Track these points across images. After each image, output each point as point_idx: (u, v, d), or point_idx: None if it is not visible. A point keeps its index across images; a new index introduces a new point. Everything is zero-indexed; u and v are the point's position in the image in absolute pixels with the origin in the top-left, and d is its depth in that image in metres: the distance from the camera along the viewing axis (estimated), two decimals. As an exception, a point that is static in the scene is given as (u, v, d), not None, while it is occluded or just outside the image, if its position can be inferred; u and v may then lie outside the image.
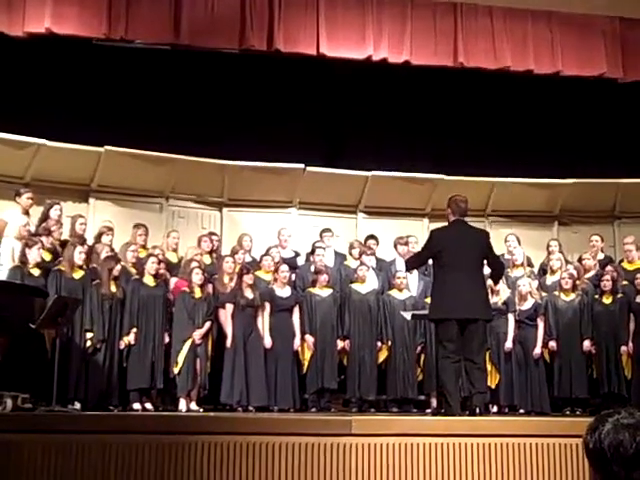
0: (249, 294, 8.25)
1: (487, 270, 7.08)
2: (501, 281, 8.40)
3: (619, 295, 8.64)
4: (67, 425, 5.24)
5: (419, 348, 8.67)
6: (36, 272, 7.56)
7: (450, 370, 6.50)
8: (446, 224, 7.06)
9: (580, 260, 9.39)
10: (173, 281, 8.49)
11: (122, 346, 7.79)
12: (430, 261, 7.18)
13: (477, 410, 6.48)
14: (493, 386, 8.27)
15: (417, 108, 11.16)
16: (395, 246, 9.59)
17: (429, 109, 11.19)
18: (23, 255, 7.60)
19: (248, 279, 8.27)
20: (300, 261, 9.56)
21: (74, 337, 7.57)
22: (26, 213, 8.44)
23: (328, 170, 10.82)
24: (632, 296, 8.62)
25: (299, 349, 8.45)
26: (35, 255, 7.56)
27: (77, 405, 7.41)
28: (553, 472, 5.26)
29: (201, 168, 10.40)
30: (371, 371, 8.53)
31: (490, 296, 7.98)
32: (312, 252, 9.26)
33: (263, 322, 8.30)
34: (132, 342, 7.81)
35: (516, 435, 5.34)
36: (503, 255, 9.03)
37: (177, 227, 9.94)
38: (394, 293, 8.82)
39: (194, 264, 8.27)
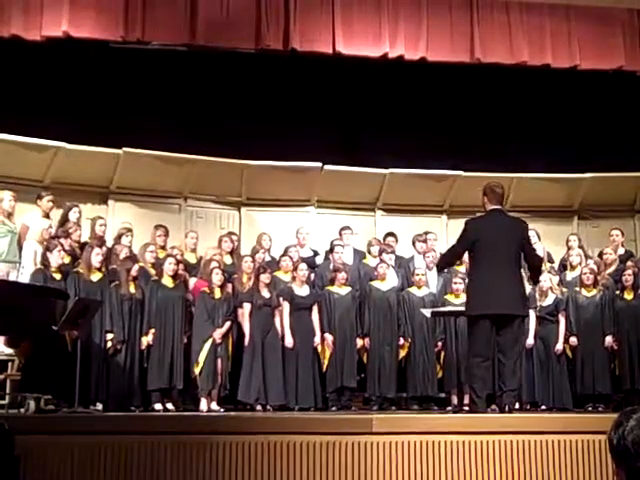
0: (266, 293, 8.26)
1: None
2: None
3: (641, 290, 8.58)
4: (89, 426, 5.26)
5: (439, 345, 8.64)
6: (58, 276, 7.60)
7: (478, 368, 6.29)
8: (481, 214, 6.75)
9: (601, 255, 9.32)
10: (192, 281, 8.52)
11: (143, 347, 7.83)
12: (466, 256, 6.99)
13: (507, 408, 6.36)
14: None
15: (434, 105, 11.11)
16: (414, 243, 9.58)
17: (446, 105, 11.14)
18: (45, 258, 7.64)
19: (265, 278, 8.28)
20: (319, 260, 9.56)
21: (95, 338, 7.62)
22: (47, 216, 8.50)
23: (346, 168, 10.81)
24: (654, 291, 8.56)
25: (319, 347, 8.45)
26: (56, 258, 7.60)
27: (99, 406, 7.45)
28: (576, 469, 5.22)
29: (219, 168, 10.43)
30: (391, 369, 8.51)
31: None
32: (331, 250, 9.26)
33: (282, 321, 8.31)
34: (150, 343, 7.85)
35: (538, 432, 5.31)
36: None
37: (196, 227, 9.99)
38: (413, 290, 8.81)
39: (214, 264, 8.29)
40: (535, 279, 7.33)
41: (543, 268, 8.88)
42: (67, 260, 7.91)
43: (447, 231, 10.66)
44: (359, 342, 8.60)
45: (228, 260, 8.94)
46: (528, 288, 8.53)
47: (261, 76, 10.63)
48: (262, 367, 8.07)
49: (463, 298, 7.58)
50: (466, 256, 7.23)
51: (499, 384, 6.44)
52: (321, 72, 10.58)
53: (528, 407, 8.39)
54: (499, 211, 6.58)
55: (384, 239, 9.71)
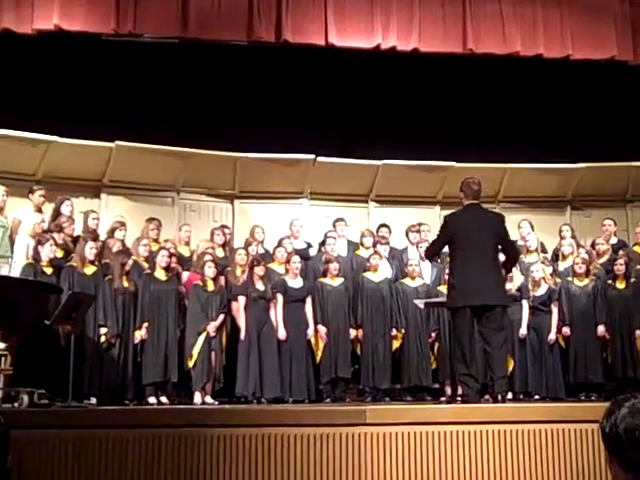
0: (260, 286, 8.26)
1: (502, 256, 6.88)
2: (514, 267, 8.33)
3: (632, 279, 8.60)
4: (83, 420, 5.26)
5: (433, 336, 8.66)
6: (49, 270, 7.58)
7: (464, 359, 6.37)
8: (459, 209, 6.89)
9: (593, 245, 9.35)
10: (186, 275, 8.51)
11: (136, 341, 7.83)
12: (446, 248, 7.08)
13: (499, 397, 6.40)
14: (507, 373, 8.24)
15: (427, 96, 11.10)
16: (407, 234, 9.59)
17: (439, 96, 11.13)
18: (36, 252, 7.62)
19: (259, 271, 8.28)
20: (313, 252, 9.56)
21: (88, 333, 7.61)
22: (39, 210, 8.47)
23: (339, 160, 10.81)
24: (646, 280, 8.59)
25: (312, 339, 8.45)
26: (47, 252, 7.58)
27: (93, 400, 7.45)
28: (569, 458, 5.24)
29: (212, 161, 10.41)
30: (385, 360, 8.53)
31: (503, 283, 7.94)
32: (323, 242, 9.27)
33: (276, 314, 8.31)
34: (144, 336, 7.85)
35: (531, 421, 5.33)
36: (516, 241, 8.97)
37: (189, 220, 9.98)
38: (407, 281, 8.82)
39: (207, 257, 8.28)
40: (508, 269, 7.28)
41: (536, 258, 8.95)
42: (60, 254, 7.89)
43: (440, 222, 10.64)
44: (352, 333, 8.61)
45: (220, 253, 8.94)
46: (521, 279, 8.58)
47: (254, 68, 10.61)
48: (259, 360, 8.08)
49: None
50: None
51: (489, 374, 6.50)
52: (314, 64, 10.57)
53: (521, 397, 8.42)
54: (475, 205, 6.73)
55: (377, 230, 9.70)
